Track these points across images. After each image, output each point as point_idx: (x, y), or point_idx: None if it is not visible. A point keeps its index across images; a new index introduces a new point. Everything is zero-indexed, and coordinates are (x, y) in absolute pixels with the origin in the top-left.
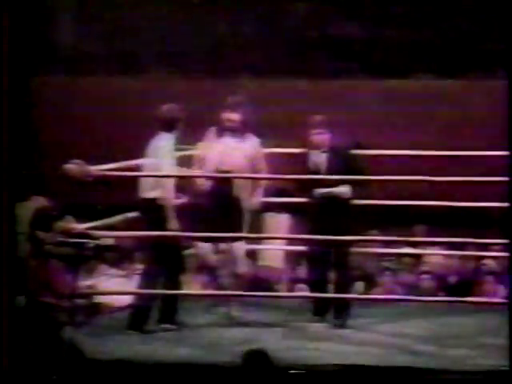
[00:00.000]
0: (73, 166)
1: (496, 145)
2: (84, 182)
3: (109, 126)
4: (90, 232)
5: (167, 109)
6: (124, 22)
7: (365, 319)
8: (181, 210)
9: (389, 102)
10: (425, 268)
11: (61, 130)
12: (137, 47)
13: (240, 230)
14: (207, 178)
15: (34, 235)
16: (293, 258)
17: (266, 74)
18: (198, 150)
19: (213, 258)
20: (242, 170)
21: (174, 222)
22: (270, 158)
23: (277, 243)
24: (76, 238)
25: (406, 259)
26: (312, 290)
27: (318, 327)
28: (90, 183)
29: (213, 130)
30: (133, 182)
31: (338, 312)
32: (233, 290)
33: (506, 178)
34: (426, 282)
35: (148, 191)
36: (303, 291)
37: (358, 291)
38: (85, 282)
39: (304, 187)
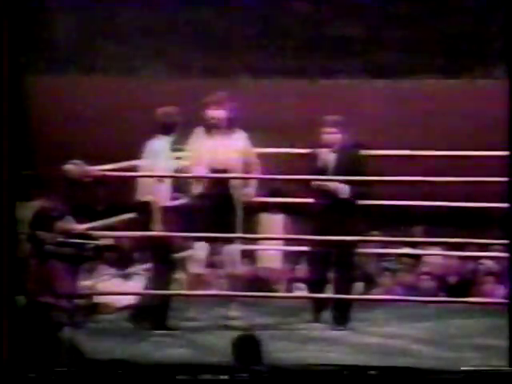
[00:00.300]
0: (72, 167)
1: (496, 145)
2: (83, 183)
3: (109, 126)
4: (90, 232)
5: (165, 112)
6: (123, 22)
7: (364, 320)
8: (178, 211)
9: (389, 102)
10: (425, 268)
11: (61, 131)
12: (137, 47)
13: (235, 231)
14: (205, 178)
15: (34, 235)
16: (291, 258)
17: (266, 74)
18: (188, 150)
19: (207, 260)
20: (235, 165)
21: (159, 225)
22: (270, 158)
23: (273, 243)
24: (76, 238)
25: (406, 260)
26: (311, 290)
27: (317, 327)
28: (89, 183)
29: (200, 129)
30: (131, 183)
31: (338, 313)
32: (230, 290)
33: (506, 178)
34: (426, 282)
35: (143, 194)
36: (302, 291)
37: (357, 291)
38: (85, 282)
39: (309, 186)
